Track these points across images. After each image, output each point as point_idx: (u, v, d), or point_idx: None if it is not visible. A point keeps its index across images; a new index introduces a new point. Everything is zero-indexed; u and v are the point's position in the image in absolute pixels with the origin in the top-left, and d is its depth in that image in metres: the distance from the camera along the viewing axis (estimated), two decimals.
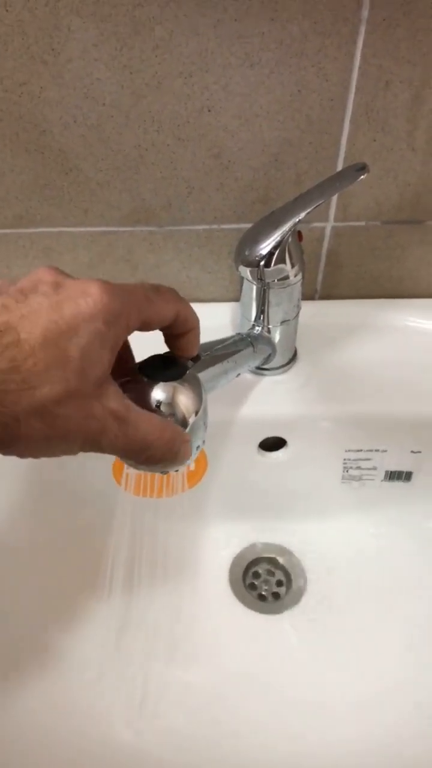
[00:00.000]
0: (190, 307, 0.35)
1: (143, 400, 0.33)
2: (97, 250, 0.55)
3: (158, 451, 0.32)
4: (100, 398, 0.29)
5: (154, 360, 0.35)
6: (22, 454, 0.28)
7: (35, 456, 0.28)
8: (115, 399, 0.29)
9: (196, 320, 0.35)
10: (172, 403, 0.34)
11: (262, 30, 0.43)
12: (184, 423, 0.34)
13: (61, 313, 0.27)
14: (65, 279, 0.29)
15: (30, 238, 0.54)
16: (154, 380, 0.34)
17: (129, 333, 0.31)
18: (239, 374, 0.47)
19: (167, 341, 0.36)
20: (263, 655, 0.52)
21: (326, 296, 0.60)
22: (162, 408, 0.33)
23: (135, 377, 0.34)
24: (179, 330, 0.35)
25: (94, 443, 0.29)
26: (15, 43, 0.44)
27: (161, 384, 0.34)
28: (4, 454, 0.28)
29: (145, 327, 0.32)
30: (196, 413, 0.35)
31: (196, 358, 0.39)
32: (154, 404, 0.33)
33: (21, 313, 0.27)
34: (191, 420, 0.34)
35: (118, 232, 0.54)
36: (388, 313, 0.59)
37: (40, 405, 0.27)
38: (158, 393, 0.34)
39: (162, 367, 0.35)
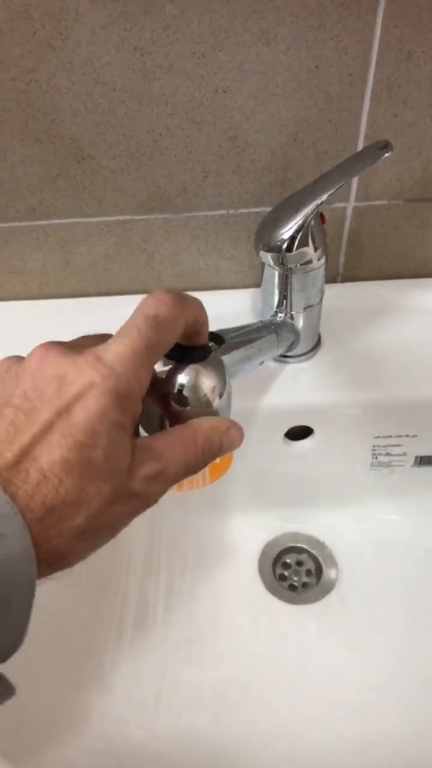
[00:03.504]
0: (195, 309, 0.31)
1: (165, 385, 0.32)
2: (113, 240, 0.54)
3: (200, 461, 0.31)
4: (133, 475, 0.28)
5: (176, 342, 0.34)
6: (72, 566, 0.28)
7: (88, 556, 0.28)
8: (146, 461, 0.28)
9: (205, 317, 0.32)
10: (195, 386, 0.32)
11: (277, 3, 0.42)
12: (208, 406, 0.33)
13: (73, 422, 0.26)
14: (66, 366, 0.27)
15: (44, 230, 0.53)
16: (177, 363, 0.33)
17: (144, 392, 0.29)
18: (263, 362, 0.45)
19: None
20: (297, 647, 0.52)
21: (348, 278, 0.58)
22: (185, 392, 0.32)
23: None
24: (186, 333, 0.32)
25: (143, 509, 0.29)
26: (21, 29, 0.42)
27: (184, 367, 0.33)
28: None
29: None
30: (221, 396, 0.33)
31: (220, 341, 0.37)
32: (176, 388, 0.32)
33: (33, 433, 0.26)
34: (215, 403, 0.33)
35: (133, 221, 0.53)
36: (413, 293, 0.57)
37: (82, 530, 0.26)
38: (181, 376, 0.32)
39: (184, 349, 0.33)
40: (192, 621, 0.53)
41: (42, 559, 0.25)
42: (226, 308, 0.55)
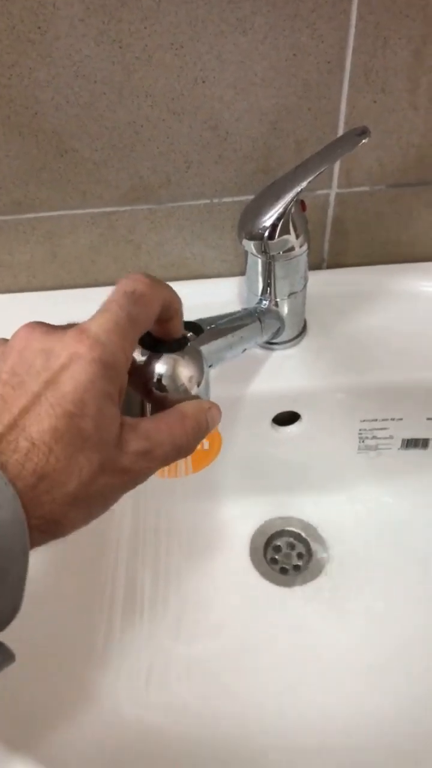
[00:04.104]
0: (170, 292, 0.32)
1: (144, 374, 0.33)
2: (99, 232, 0.55)
3: (191, 442, 0.32)
4: (122, 450, 0.28)
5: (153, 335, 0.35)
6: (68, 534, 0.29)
7: (81, 527, 0.29)
8: (133, 438, 0.29)
9: (179, 303, 0.33)
10: (172, 375, 0.33)
11: None
12: (186, 394, 0.34)
13: (61, 392, 0.27)
14: (51, 341, 0.28)
15: (30, 223, 0.54)
16: (154, 353, 0.33)
17: (129, 365, 0.30)
18: (245, 349, 0.46)
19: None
20: (288, 627, 0.53)
21: (334, 265, 0.59)
22: (163, 381, 0.33)
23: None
24: (162, 317, 0.33)
25: (132, 486, 0.30)
26: (0, 24, 0.43)
27: (162, 356, 0.33)
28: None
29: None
30: (198, 384, 0.34)
31: (199, 331, 0.38)
32: (155, 377, 0.33)
33: (22, 405, 0.27)
34: (193, 392, 0.34)
35: (118, 212, 0.53)
36: (398, 278, 0.58)
37: (74, 497, 0.27)
38: (159, 366, 0.33)
39: (161, 340, 0.34)
40: (186, 605, 0.54)
41: (36, 526, 0.26)
42: (213, 297, 0.56)
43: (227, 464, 0.55)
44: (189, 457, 0.46)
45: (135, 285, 0.30)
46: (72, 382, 0.27)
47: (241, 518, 0.58)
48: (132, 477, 0.29)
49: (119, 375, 0.28)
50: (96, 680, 0.49)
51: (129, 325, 0.29)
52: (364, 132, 0.43)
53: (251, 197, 0.46)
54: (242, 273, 0.53)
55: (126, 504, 0.49)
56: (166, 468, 0.44)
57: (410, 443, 0.55)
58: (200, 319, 0.41)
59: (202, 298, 0.55)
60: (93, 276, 0.57)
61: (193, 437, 0.32)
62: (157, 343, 0.33)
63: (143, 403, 0.33)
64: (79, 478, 0.27)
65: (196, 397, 0.34)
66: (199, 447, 0.54)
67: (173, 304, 0.32)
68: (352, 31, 0.44)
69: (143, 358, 0.33)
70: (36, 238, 0.55)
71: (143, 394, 0.33)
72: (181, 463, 0.45)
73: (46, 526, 0.27)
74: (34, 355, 0.28)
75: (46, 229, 0.54)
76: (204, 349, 0.37)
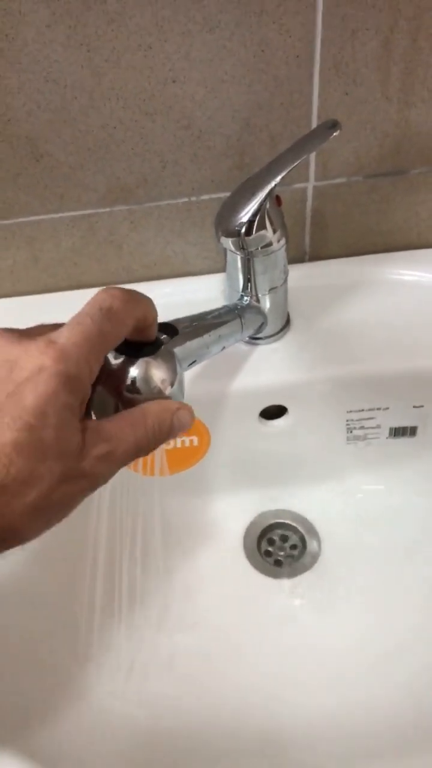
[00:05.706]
0: (145, 307, 0.32)
1: (117, 378, 0.33)
2: (80, 235, 0.55)
3: (151, 441, 0.32)
4: (83, 455, 0.29)
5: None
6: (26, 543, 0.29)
7: (40, 535, 0.29)
8: (95, 442, 0.29)
9: (154, 316, 0.34)
10: (145, 377, 0.34)
11: None
12: (160, 395, 0.34)
13: (23, 404, 0.27)
14: (17, 351, 0.28)
15: (10, 229, 0.54)
16: (128, 357, 0.34)
17: (93, 378, 0.30)
18: (225, 347, 0.46)
19: None
20: (281, 618, 0.53)
21: (316, 258, 0.59)
22: (137, 383, 0.33)
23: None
24: (139, 327, 0.33)
25: (92, 491, 0.30)
26: None
27: (134, 360, 0.34)
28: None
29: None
30: (172, 385, 0.35)
31: (173, 332, 0.38)
32: (128, 381, 0.33)
33: None
34: (167, 392, 0.35)
35: (97, 214, 0.53)
36: (380, 268, 0.58)
37: (34, 507, 0.27)
38: (132, 370, 0.34)
39: (135, 343, 0.34)
40: (180, 598, 0.54)
41: None
42: (196, 294, 0.56)
43: (217, 460, 0.56)
44: (165, 458, 0.47)
45: (111, 301, 0.30)
46: (34, 394, 0.27)
47: (234, 513, 0.59)
48: (93, 480, 0.29)
49: (82, 388, 0.29)
50: (82, 675, 0.50)
51: (98, 339, 0.29)
52: (334, 125, 0.44)
53: (228, 194, 0.46)
54: (224, 269, 0.54)
55: (110, 500, 0.50)
56: (143, 466, 0.45)
57: (398, 432, 0.55)
58: (177, 319, 0.41)
59: (185, 296, 0.55)
60: (77, 279, 0.58)
61: (153, 436, 0.32)
62: (130, 346, 0.34)
63: (117, 405, 0.33)
64: (39, 489, 0.27)
65: (169, 398, 0.34)
66: (188, 444, 0.55)
67: (148, 319, 0.33)
68: (320, 24, 0.44)
69: (117, 362, 0.33)
70: (17, 243, 0.55)
71: (116, 397, 0.33)
72: (158, 462, 0.45)
73: (4, 535, 0.27)
74: None
75: (26, 234, 0.54)
76: (180, 350, 0.37)
